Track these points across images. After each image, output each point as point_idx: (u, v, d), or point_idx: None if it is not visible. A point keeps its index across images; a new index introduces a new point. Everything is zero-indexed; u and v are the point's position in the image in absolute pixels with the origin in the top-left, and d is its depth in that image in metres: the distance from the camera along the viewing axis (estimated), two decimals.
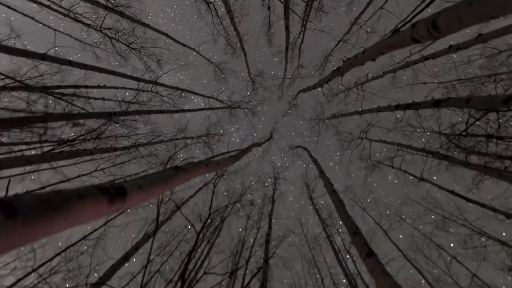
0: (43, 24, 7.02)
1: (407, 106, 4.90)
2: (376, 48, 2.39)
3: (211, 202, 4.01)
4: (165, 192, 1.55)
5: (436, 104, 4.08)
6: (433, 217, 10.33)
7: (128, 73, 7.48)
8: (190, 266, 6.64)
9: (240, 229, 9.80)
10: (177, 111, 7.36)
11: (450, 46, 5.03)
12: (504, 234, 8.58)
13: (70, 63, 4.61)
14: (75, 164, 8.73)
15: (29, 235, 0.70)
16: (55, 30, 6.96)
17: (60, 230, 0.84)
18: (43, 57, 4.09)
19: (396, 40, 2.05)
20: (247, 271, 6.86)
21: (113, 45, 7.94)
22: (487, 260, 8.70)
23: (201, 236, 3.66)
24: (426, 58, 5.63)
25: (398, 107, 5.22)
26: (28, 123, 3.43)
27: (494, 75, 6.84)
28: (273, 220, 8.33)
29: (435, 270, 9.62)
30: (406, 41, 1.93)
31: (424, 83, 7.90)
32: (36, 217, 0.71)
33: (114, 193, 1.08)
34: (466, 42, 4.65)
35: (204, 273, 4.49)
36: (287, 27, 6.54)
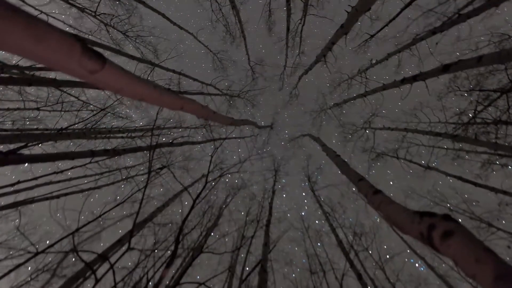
0: (35, 8, 6.81)
1: (413, 78, 4.65)
2: None
3: (208, 169, 3.78)
4: (151, 100, 1.32)
5: (445, 69, 3.83)
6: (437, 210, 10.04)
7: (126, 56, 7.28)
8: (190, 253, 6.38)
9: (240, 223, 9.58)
10: (173, 92, 7.14)
11: (459, 15, 4.80)
12: None
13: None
14: (71, 158, 8.53)
15: None
16: (47, 14, 6.75)
17: (20, 49, 0.65)
18: None
19: None
20: (247, 260, 6.59)
21: (107, 31, 7.71)
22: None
23: (196, 203, 3.42)
24: (433, 32, 5.38)
25: (404, 80, 4.97)
26: (12, 83, 3.22)
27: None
28: (273, 210, 8.09)
29: (443, 265, 9.32)
30: None
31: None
32: None
33: (91, 50, 0.86)
34: (477, 9, 4.41)
35: (201, 251, 4.23)
36: (287, 0, 6.31)
